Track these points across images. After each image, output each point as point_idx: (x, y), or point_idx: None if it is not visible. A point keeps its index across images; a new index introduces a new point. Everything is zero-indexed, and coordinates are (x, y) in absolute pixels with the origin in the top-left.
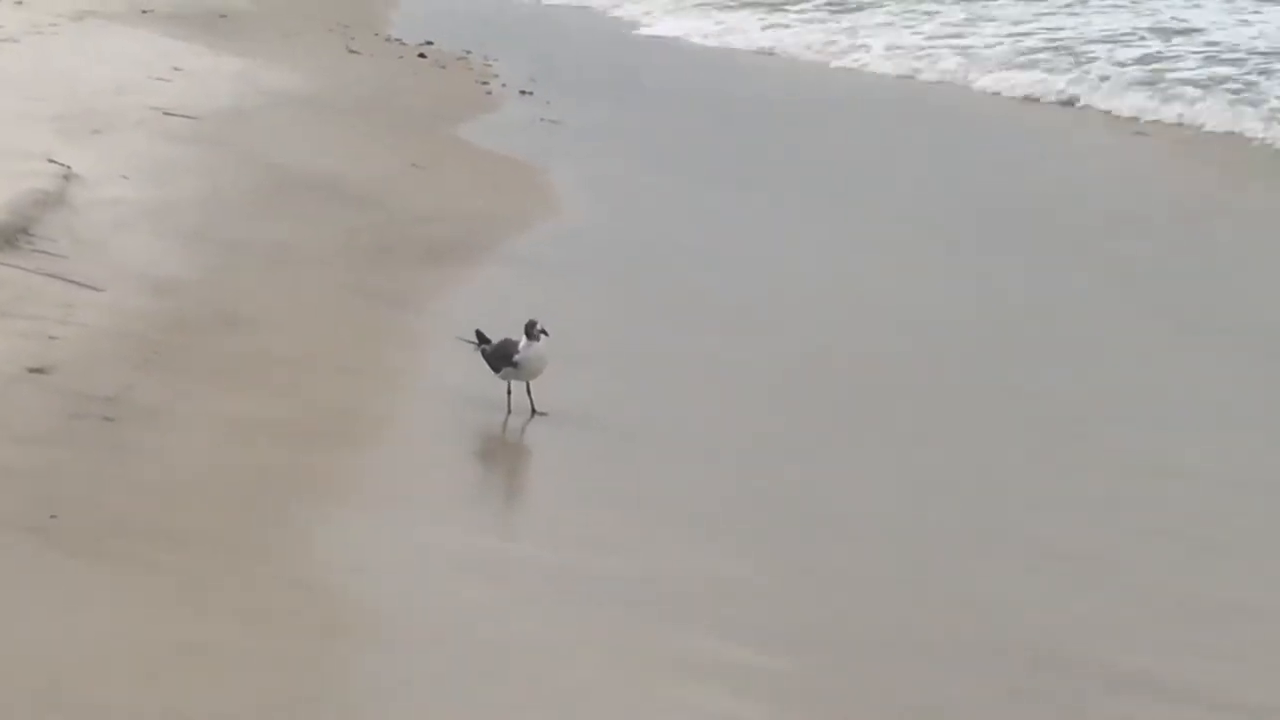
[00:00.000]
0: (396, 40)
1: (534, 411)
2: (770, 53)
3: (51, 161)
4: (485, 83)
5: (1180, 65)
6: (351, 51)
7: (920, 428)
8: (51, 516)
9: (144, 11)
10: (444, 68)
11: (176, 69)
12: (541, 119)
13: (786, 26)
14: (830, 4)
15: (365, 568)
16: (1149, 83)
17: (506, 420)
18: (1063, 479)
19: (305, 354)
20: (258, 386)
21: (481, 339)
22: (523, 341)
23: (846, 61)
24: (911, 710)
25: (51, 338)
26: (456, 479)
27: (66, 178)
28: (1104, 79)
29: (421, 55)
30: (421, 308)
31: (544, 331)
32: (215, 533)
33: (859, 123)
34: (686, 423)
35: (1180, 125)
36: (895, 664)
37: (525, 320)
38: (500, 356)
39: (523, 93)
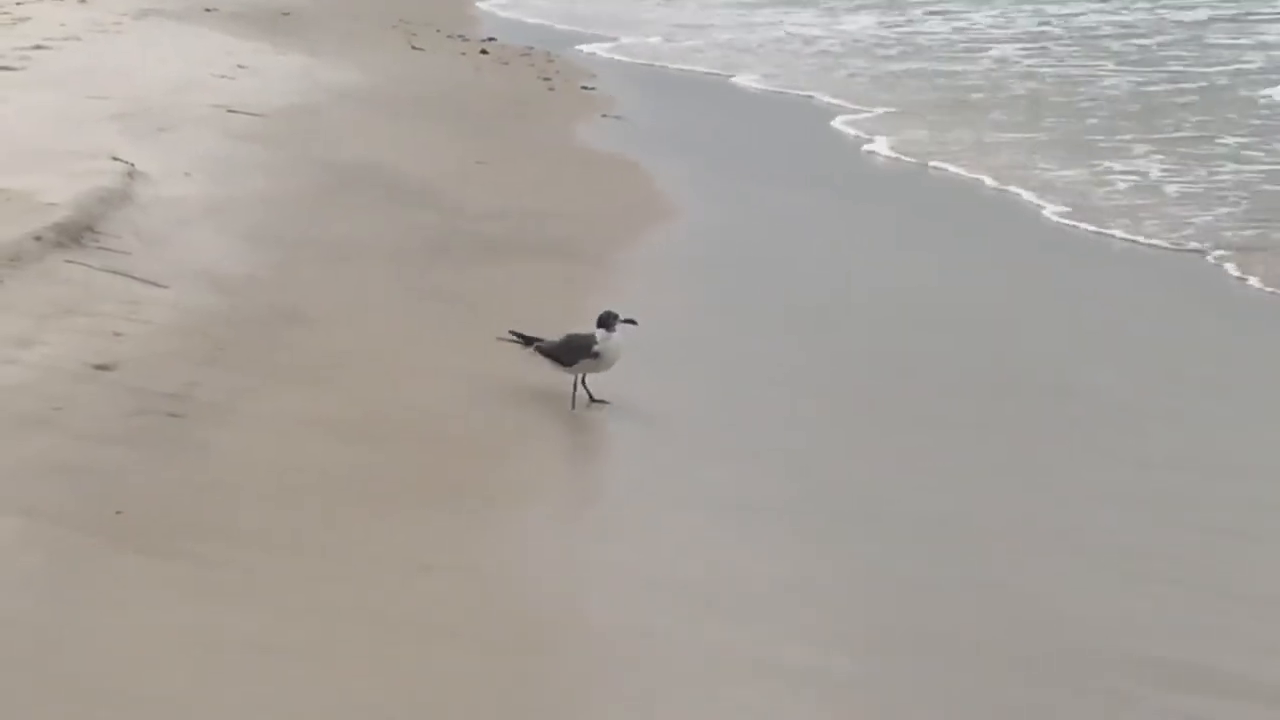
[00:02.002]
0: (459, 36)
1: (593, 399)
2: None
3: (116, 159)
4: (548, 79)
5: None
6: (414, 48)
7: (979, 425)
8: (117, 513)
9: (207, 10)
10: (506, 64)
11: (240, 66)
12: (604, 114)
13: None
14: None
15: (432, 566)
16: None
17: (575, 408)
18: (1118, 476)
19: (367, 350)
20: (321, 383)
21: (523, 339)
22: (600, 333)
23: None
24: (973, 711)
25: (116, 335)
26: (520, 475)
27: (131, 175)
28: None
29: (484, 52)
30: (483, 304)
31: (631, 320)
32: (279, 530)
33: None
34: (756, 422)
35: None
36: (956, 665)
37: (600, 313)
38: (578, 349)
39: (584, 88)
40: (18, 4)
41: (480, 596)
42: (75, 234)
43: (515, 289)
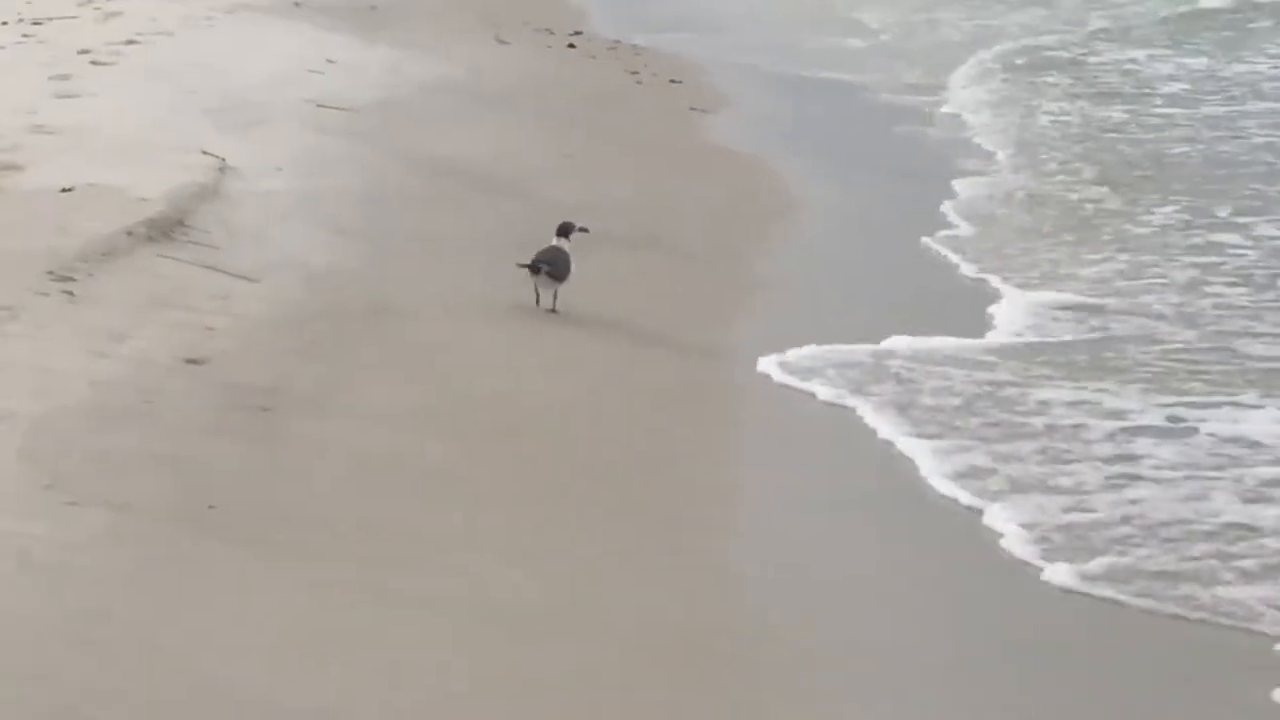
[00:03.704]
0: (545, 30)
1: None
2: None
3: (207, 154)
4: (635, 72)
5: None
6: (500, 41)
7: None
8: (210, 507)
9: (296, 4)
10: (594, 58)
11: (329, 61)
12: (692, 108)
13: None
14: None
15: (527, 557)
16: None
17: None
18: None
19: (457, 342)
20: (411, 376)
21: (531, 267)
22: (566, 243)
23: None
24: None
25: (208, 329)
26: (612, 467)
27: (222, 170)
28: None
29: (571, 45)
30: (572, 296)
31: (584, 229)
32: (371, 521)
33: None
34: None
35: None
36: None
37: (560, 223)
38: (567, 263)
39: (673, 81)
40: None
41: (571, 590)
42: (167, 228)
43: (606, 280)
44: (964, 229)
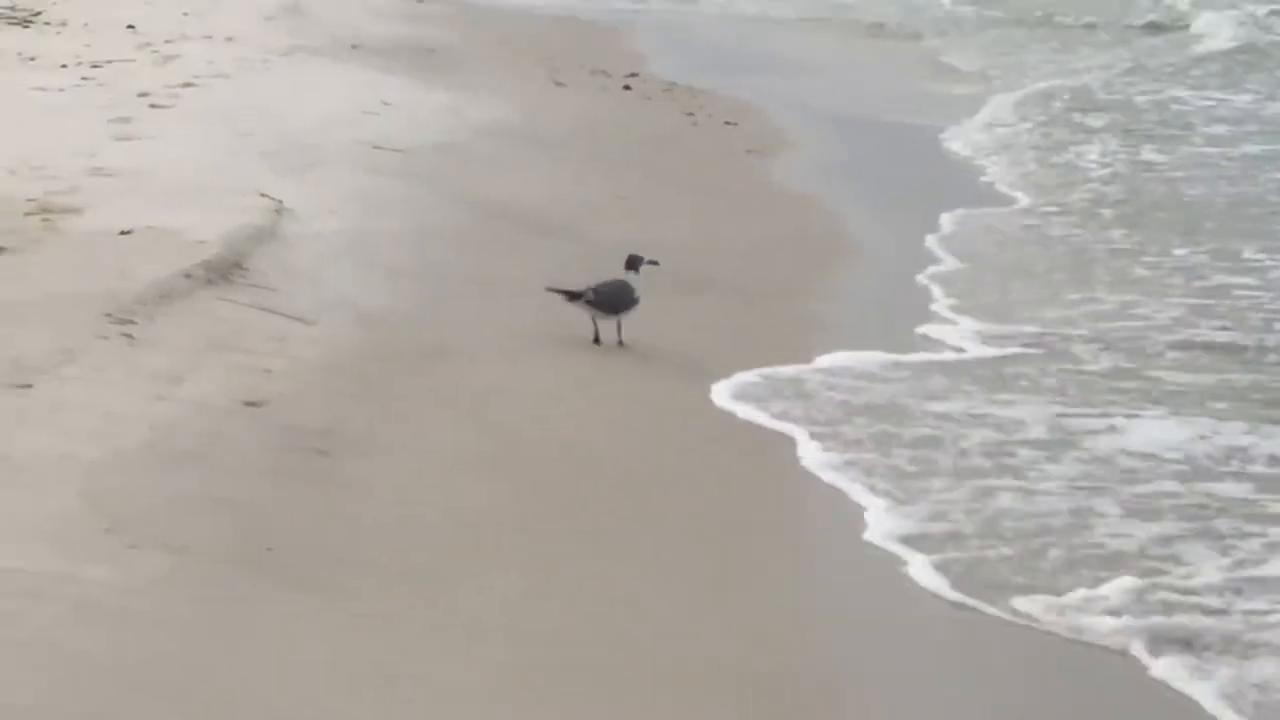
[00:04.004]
0: (602, 72)
1: (621, 342)
2: None
3: (263, 196)
4: (690, 114)
5: None
6: (557, 84)
7: None
8: (267, 549)
9: (353, 46)
10: (649, 99)
11: (385, 103)
12: (748, 150)
13: None
14: None
15: (577, 602)
16: None
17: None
18: None
19: (514, 385)
20: (467, 418)
21: (568, 294)
22: (633, 276)
23: None
24: None
25: (265, 371)
26: (669, 513)
27: (278, 212)
28: None
29: (627, 87)
30: (629, 337)
31: (654, 261)
32: (428, 565)
33: None
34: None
35: None
36: None
37: (628, 255)
38: (625, 298)
39: (728, 123)
40: (167, 42)
41: (625, 635)
42: (224, 271)
43: (662, 322)
44: (949, 264)
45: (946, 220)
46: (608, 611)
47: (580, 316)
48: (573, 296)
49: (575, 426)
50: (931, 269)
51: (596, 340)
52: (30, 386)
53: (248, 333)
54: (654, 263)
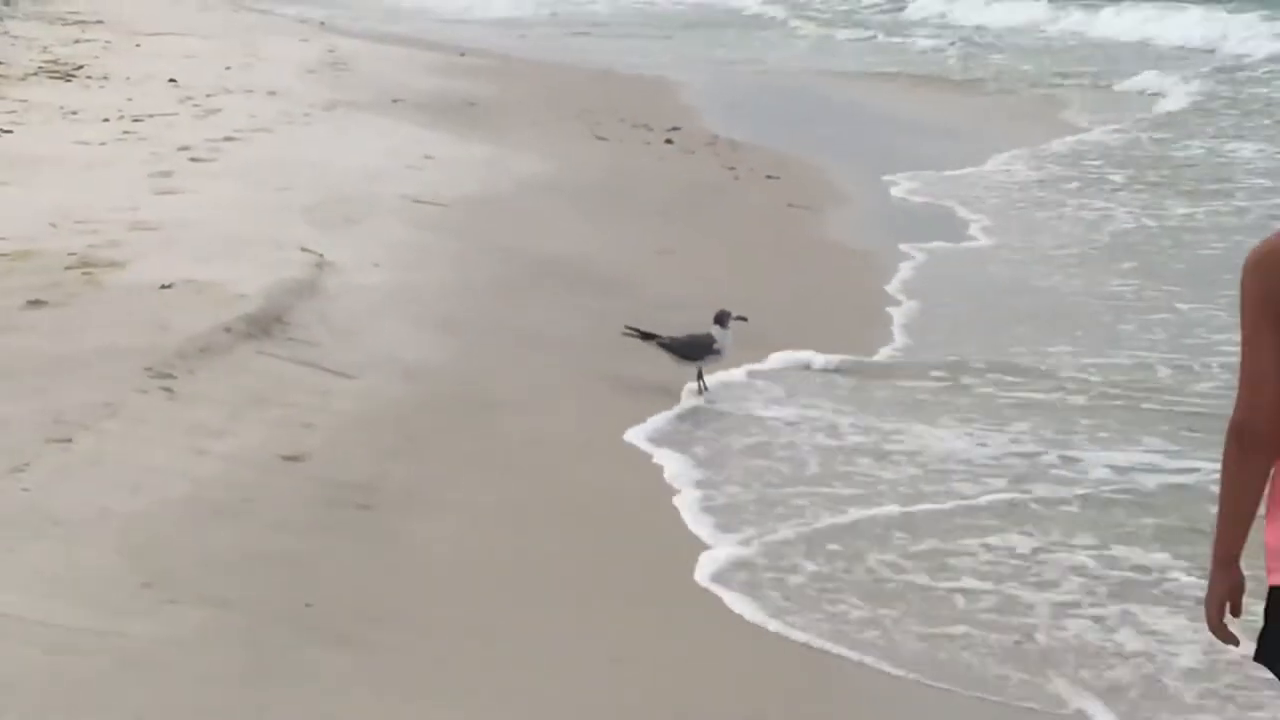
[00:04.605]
0: (643, 126)
1: (704, 389)
2: None
3: (305, 250)
4: (732, 168)
5: None
6: (598, 138)
7: None
8: (307, 605)
9: (394, 100)
10: (691, 153)
11: (427, 157)
12: (790, 204)
13: None
14: None
15: (622, 658)
16: None
17: (703, 392)
18: None
19: (556, 438)
20: (510, 472)
21: (643, 334)
22: (717, 329)
23: None
24: None
25: (306, 425)
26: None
27: (319, 266)
28: None
29: (668, 141)
30: (674, 391)
31: (743, 318)
32: (470, 619)
33: None
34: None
35: None
36: None
37: (717, 311)
38: (702, 347)
39: (769, 177)
40: (208, 96)
41: (670, 691)
42: (265, 325)
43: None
44: (909, 305)
45: None
46: (658, 670)
47: (610, 365)
48: (647, 337)
49: (621, 479)
50: None
51: (700, 392)
52: (70, 440)
53: (288, 387)
54: (742, 318)
